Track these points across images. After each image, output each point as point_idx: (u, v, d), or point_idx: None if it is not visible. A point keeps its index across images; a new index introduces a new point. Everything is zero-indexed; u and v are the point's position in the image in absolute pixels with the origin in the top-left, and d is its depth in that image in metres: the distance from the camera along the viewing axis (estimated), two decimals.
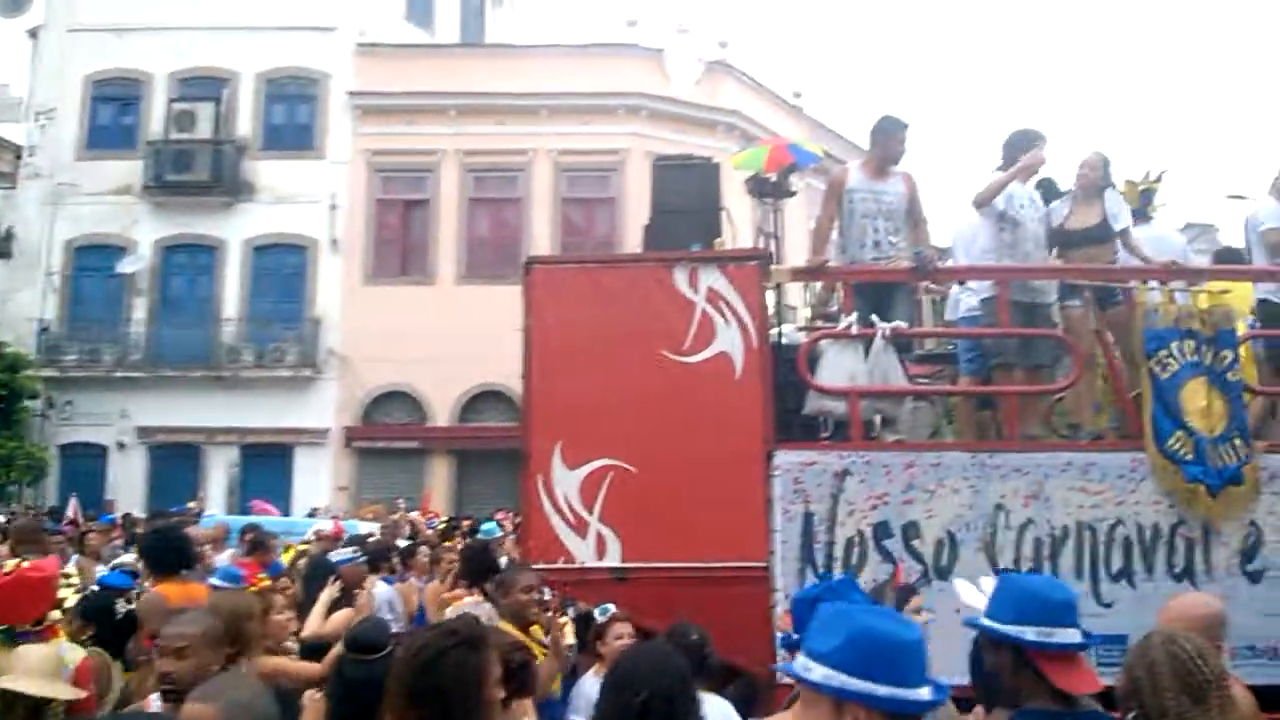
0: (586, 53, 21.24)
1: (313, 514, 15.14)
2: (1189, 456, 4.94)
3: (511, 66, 21.06)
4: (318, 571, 6.62)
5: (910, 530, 4.89)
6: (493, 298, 17.52)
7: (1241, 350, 5.34)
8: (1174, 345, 5.07)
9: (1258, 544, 4.91)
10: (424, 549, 8.38)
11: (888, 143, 5.89)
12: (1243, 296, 5.91)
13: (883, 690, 1.76)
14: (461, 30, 24.61)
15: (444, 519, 13.87)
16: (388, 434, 20.18)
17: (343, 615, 5.21)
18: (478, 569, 5.65)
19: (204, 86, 21.17)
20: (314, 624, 5.22)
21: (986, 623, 2.47)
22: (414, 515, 13.84)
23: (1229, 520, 4.90)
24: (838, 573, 4.82)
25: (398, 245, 20.99)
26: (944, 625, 4.72)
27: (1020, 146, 5.76)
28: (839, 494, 4.90)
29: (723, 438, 4.93)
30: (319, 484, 19.49)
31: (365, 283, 20.51)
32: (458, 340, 18.42)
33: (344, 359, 20.13)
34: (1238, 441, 4.95)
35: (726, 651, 4.52)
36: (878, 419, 5.38)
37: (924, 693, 1.80)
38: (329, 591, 5.47)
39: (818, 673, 1.82)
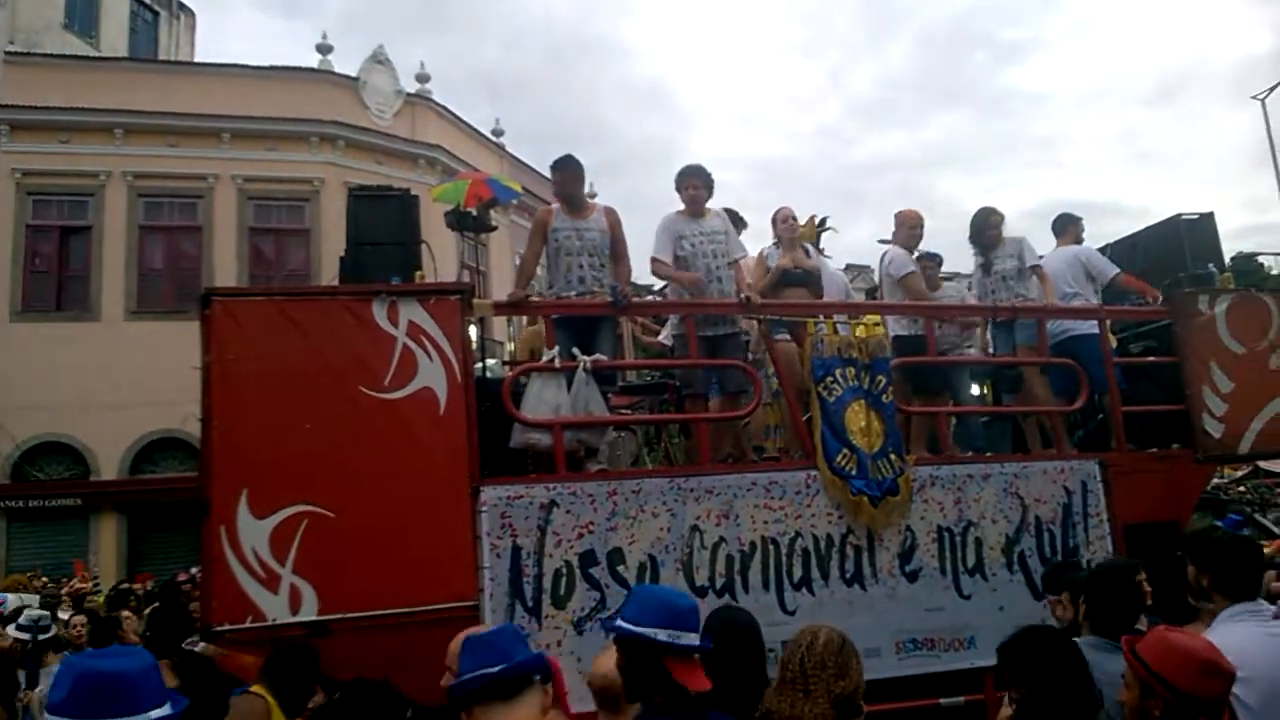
0: (274, 75, 20.14)
1: None
2: (853, 471, 5.48)
3: (187, 84, 19.51)
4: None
5: (615, 556, 5.01)
6: (168, 335, 16.07)
7: None
8: (838, 372, 5.62)
9: (913, 547, 5.54)
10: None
11: (563, 181, 6.12)
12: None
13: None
14: (129, 44, 22.57)
15: (99, 585, 12.43)
16: (43, 491, 17.70)
17: None
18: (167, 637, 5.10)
19: None
20: None
21: (624, 625, 2.66)
22: (74, 583, 12.31)
23: (889, 527, 5.48)
24: (546, 604, 4.85)
25: (53, 277, 18.65)
26: None
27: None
28: (546, 526, 4.94)
29: (427, 475, 4.81)
30: None
31: (14, 319, 18.02)
32: (127, 383, 16.64)
33: None
34: (893, 456, 5.57)
35: (435, 695, 4.39)
36: (581, 450, 5.47)
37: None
38: None
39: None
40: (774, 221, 6.76)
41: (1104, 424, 6.76)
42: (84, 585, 12.15)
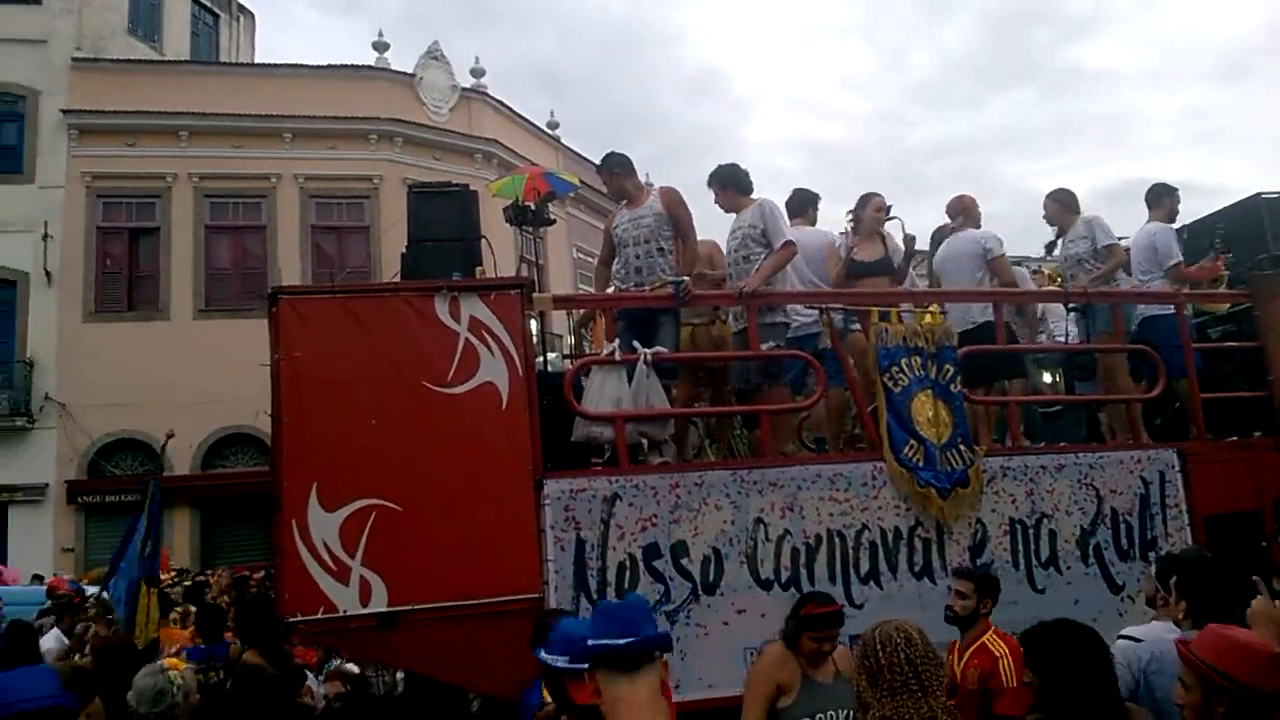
0: (333, 75, 20.45)
1: (37, 580, 13.50)
2: (920, 463, 5.37)
3: (248, 86, 19.91)
4: None
5: (679, 549, 4.99)
6: (236, 332, 16.44)
7: None
8: (903, 361, 5.51)
9: (984, 540, 5.42)
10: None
11: (610, 179, 6.09)
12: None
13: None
14: (192, 47, 23.09)
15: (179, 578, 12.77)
16: (118, 487, 18.23)
17: None
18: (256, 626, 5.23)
19: None
20: None
21: (541, 655, 2.77)
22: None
23: (959, 519, 5.37)
24: (610, 597, 4.85)
25: (123, 277, 19.19)
26: (714, 638, 4.89)
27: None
28: (609, 519, 4.93)
29: (491, 469, 4.83)
30: (39, 546, 17.33)
31: (86, 320, 18.58)
32: (197, 380, 17.06)
33: (63, 405, 18.09)
34: (962, 446, 5.45)
35: (501, 688, 4.42)
36: (644, 443, 5.45)
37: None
38: None
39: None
40: (860, 208, 6.58)
41: (1182, 412, 6.54)
42: (167, 577, 12.44)
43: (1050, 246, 6.97)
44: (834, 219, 7.16)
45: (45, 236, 18.44)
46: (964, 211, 6.89)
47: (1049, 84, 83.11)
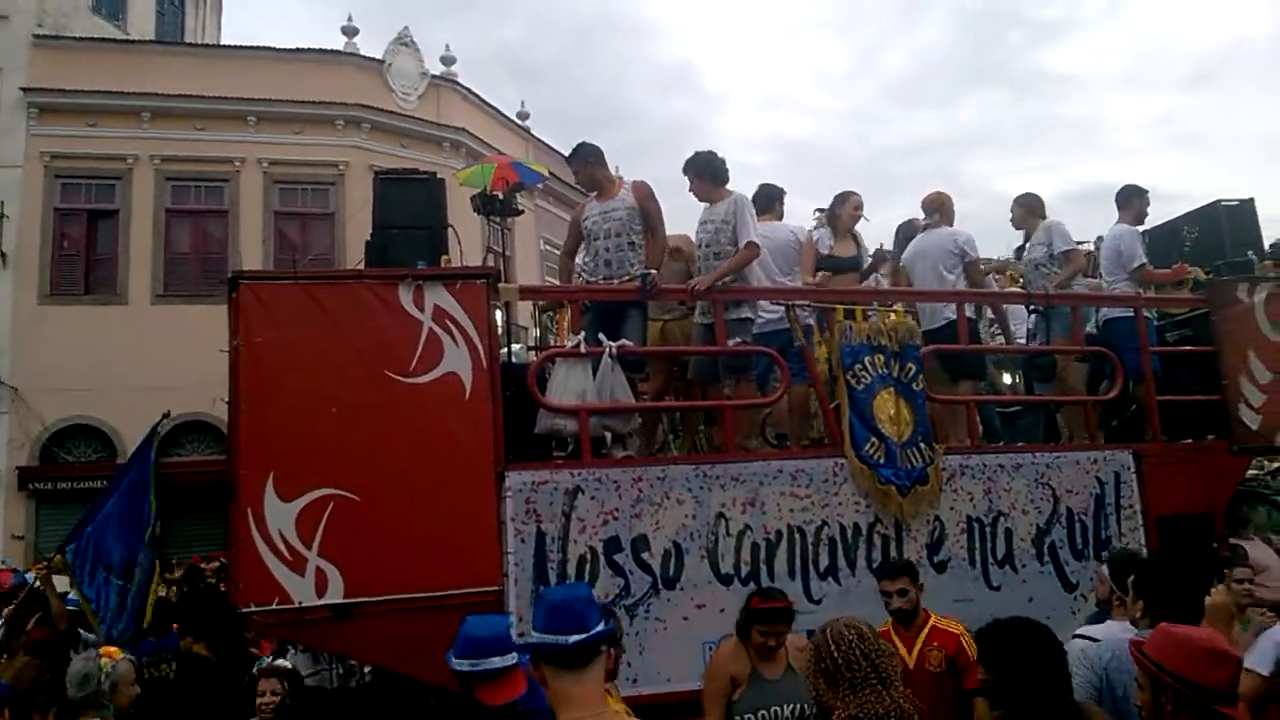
0: (299, 58, 20.14)
1: None
2: (881, 460, 5.41)
3: (213, 68, 19.53)
4: None
5: (639, 543, 4.99)
6: (194, 318, 16.16)
7: None
8: (866, 359, 5.55)
9: (942, 537, 5.47)
10: None
11: (580, 169, 6.07)
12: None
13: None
14: (157, 27, 22.66)
15: None
16: (71, 474, 17.86)
17: None
18: (202, 618, 5.14)
19: None
20: None
21: (451, 660, 2.78)
22: None
23: (917, 516, 5.41)
24: None
25: (81, 260, 18.77)
26: (673, 632, 4.89)
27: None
28: (571, 512, 4.92)
29: (453, 460, 4.80)
30: None
31: (41, 302, 18.15)
32: (155, 366, 16.72)
33: (15, 389, 17.69)
34: (923, 445, 5.50)
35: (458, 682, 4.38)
36: (608, 436, 5.44)
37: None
38: None
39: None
40: (838, 206, 6.61)
41: (1138, 414, 6.65)
42: None
43: (1020, 251, 7.04)
44: (801, 214, 7.19)
45: (1, 217, 18.02)
46: (940, 208, 6.93)
47: (1020, 86, 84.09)
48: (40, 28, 19.05)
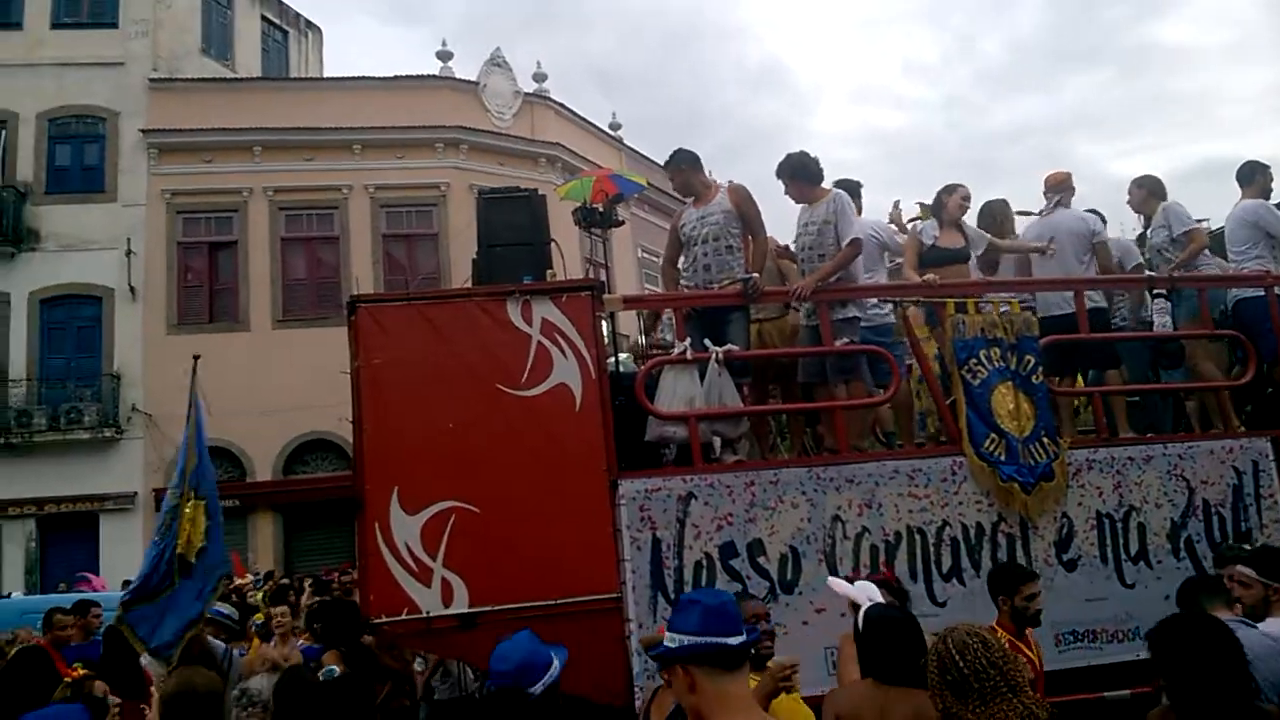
0: (399, 85, 20.83)
1: (127, 586, 13.98)
2: (1003, 457, 5.26)
3: (318, 100, 20.39)
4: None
5: (755, 548, 4.96)
6: (313, 341, 16.84)
7: None
8: (982, 354, 5.40)
9: (1070, 534, 5.28)
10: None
11: (676, 175, 6.06)
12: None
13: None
14: (263, 64, 23.70)
15: (262, 581, 13.08)
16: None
17: None
18: (337, 628, 5.31)
19: None
20: None
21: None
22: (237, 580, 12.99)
23: (1043, 514, 5.24)
24: None
25: (204, 290, 19.79)
26: (794, 637, 4.84)
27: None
28: (685, 518, 4.93)
29: (566, 470, 4.87)
30: (130, 553, 17.90)
31: (169, 332, 19.20)
32: (277, 388, 17.51)
33: (149, 416, 18.73)
34: (1045, 439, 5.32)
35: (581, 687, 4.43)
36: (717, 441, 5.43)
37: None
38: None
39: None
40: (944, 196, 6.46)
41: (1276, 399, 6.29)
42: (244, 580, 12.79)
43: (1142, 238, 6.75)
44: (880, 208, 7.03)
45: (129, 253, 19.12)
46: (1064, 188, 6.70)
47: (1125, 63, 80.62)
48: (155, 72, 20.18)
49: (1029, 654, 4.07)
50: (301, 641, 6.69)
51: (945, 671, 2.63)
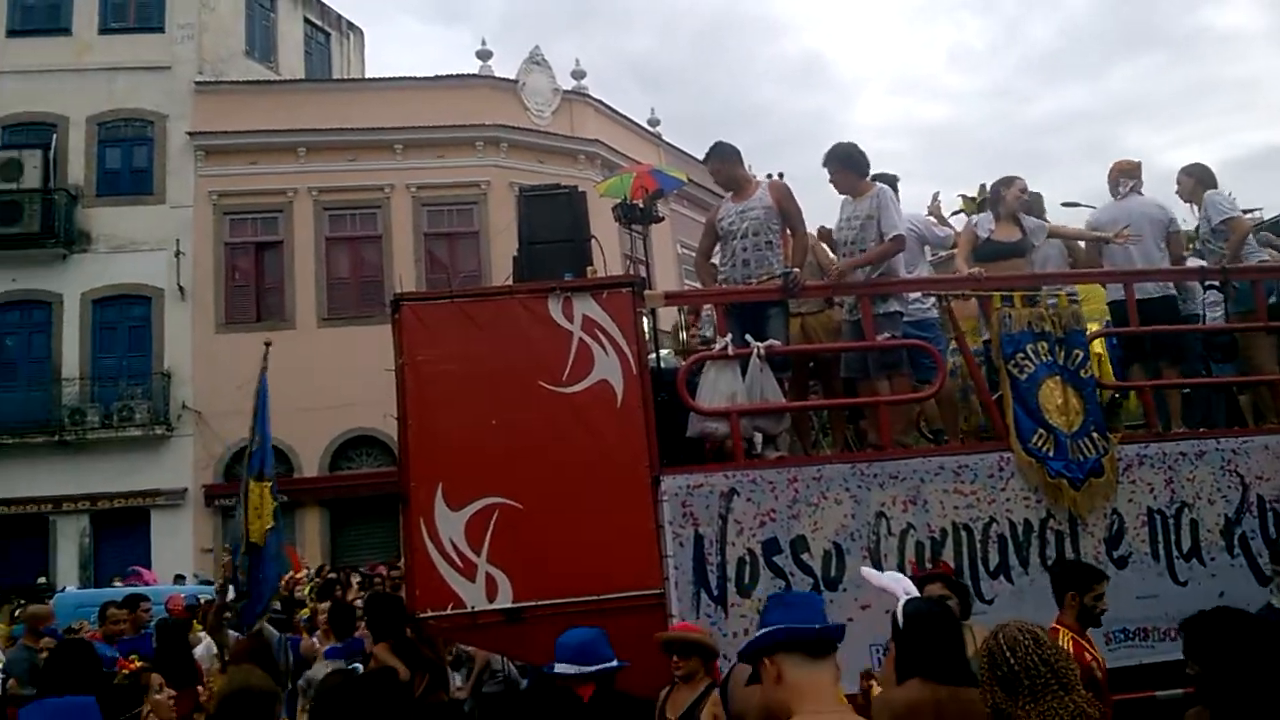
0: (439, 85, 21.00)
1: (179, 580, 14.31)
2: (1051, 452, 5.18)
3: (360, 101, 20.61)
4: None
5: (798, 544, 4.94)
6: (357, 339, 17.04)
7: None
8: (1029, 348, 5.32)
9: (1120, 531, 5.19)
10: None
11: (717, 169, 6.03)
12: (1099, 297, 6.41)
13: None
14: (305, 66, 24.00)
15: (313, 576, 13.27)
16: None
17: None
18: (387, 621, 5.39)
19: (30, 133, 19.91)
20: None
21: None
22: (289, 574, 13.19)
23: (1093, 510, 5.15)
24: (731, 593, 4.83)
25: (251, 290, 20.12)
26: None
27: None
28: (727, 514, 4.92)
29: (608, 466, 4.88)
30: (180, 548, 18.36)
31: (218, 331, 19.55)
32: (322, 386, 17.75)
33: (199, 413, 19.09)
34: (1095, 435, 5.23)
35: (624, 682, 4.45)
36: (759, 437, 5.41)
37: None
38: None
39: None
40: (1002, 188, 6.38)
41: None
42: (299, 574, 12.97)
43: (1198, 229, 6.61)
44: (920, 200, 6.94)
45: (177, 254, 19.49)
46: (1134, 175, 6.58)
47: (1177, 49, 78.83)
48: (201, 75, 20.51)
49: (1095, 653, 4.01)
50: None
51: (995, 667, 2.63)
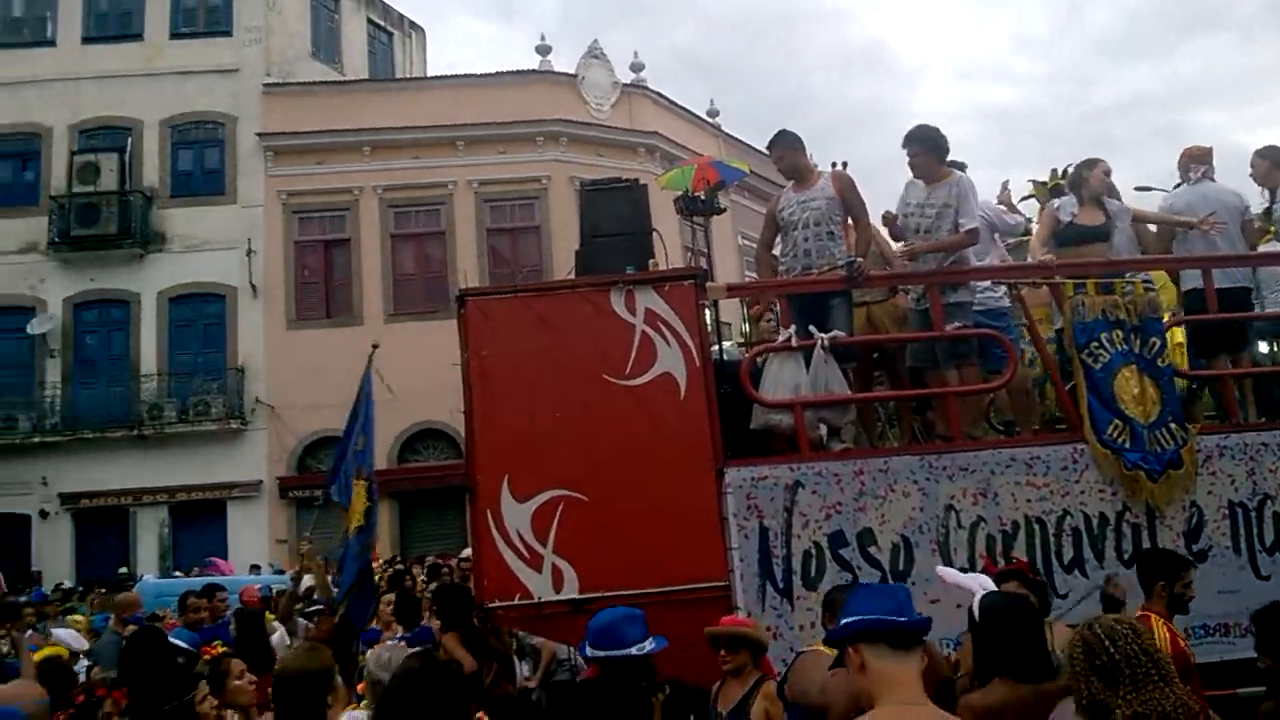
0: (499, 81, 21.16)
1: (254, 570, 14.69)
2: (1127, 444, 5.04)
3: (423, 99, 20.87)
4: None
5: (865, 537, 4.89)
6: (423, 334, 17.30)
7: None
8: (1103, 336, 5.19)
9: (1200, 524, 5.04)
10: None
11: (780, 157, 5.95)
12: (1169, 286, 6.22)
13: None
14: (369, 65, 24.38)
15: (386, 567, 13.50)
16: (323, 482, 19.55)
17: None
18: (455, 611, 5.48)
19: (106, 137, 20.56)
20: None
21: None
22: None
23: (1171, 503, 5.01)
24: (797, 585, 4.81)
25: (320, 287, 20.54)
26: None
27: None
28: (792, 507, 4.89)
29: (673, 458, 4.89)
30: (256, 539, 18.87)
31: (289, 327, 20.02)
32: (390, 380, 17.87)
33: (272, 408, 19.58)
34: (1173, 425, 5.08)
35: (688, 674, 4.46)
36: (823, 429, 5.37)
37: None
38: None
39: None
40: (1085, 170, 6.23)
41: None
42: (375, 565, 13.17)
43: (1268, 213, 6.38)
44: (987, 185, 6.76)
45: (249, 252, 20.00)
46: (1206, 160, 6.39)
47: (1247, 28, 75.88)
48: (269, 76, 20.97)
49: (1184, 644, 3.91)
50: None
51: (1093, 657, 2.56)
